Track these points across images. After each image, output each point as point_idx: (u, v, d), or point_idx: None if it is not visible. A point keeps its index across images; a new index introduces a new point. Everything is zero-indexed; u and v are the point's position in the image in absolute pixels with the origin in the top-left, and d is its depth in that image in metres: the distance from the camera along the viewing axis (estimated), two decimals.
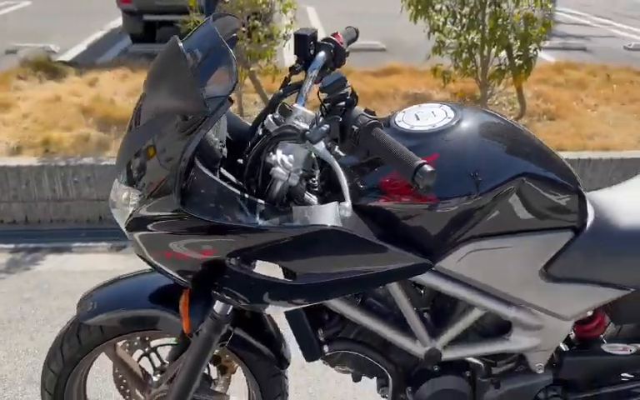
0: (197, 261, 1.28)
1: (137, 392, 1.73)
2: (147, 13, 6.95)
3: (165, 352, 1.68)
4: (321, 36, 1.48)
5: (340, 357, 1.53)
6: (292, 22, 4.48)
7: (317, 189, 1.38)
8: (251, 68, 4.48)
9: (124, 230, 1.36)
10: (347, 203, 1.12)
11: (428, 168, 1.03)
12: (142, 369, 1.68)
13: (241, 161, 1.34)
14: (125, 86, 5.04)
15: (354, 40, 1.60)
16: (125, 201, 1.32)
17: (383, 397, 1.69)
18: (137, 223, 1.29)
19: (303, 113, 1.30)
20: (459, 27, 4.42)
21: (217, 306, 1.39)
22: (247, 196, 1.25)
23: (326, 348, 1.46)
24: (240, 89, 4.48)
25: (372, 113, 1.18)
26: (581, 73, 5.51)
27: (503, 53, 4.35)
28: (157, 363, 1.70)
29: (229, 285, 1.29)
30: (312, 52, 1.44)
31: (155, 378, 1.67)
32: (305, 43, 1.43)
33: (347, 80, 1.20)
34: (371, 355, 1.51)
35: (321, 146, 1.19)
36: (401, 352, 1.51)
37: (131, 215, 1.29)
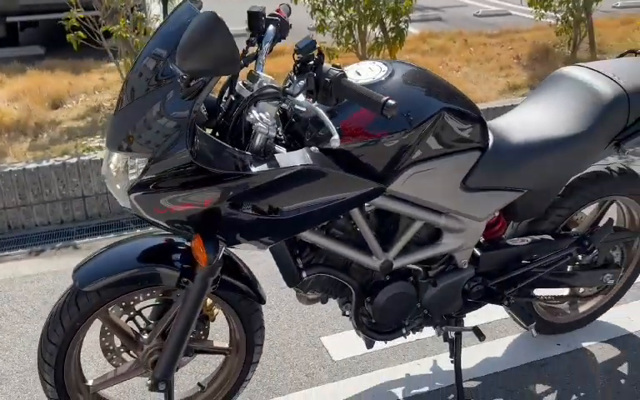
0: (200, 210, 1.51)
1: (124, 356, 1.90)
2: (9, 15, 6.56)
3: (147, 314, 1.88)
4: None
5: (312, 283, 1.83)
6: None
7: (283, 141, 1.66)
8: None
9: (122, 198, 1.54)
10: (336, 136, 1.40)
11: (392, 102, 1.35)
12: (133, 330, 1.86)
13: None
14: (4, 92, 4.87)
15: (289, 14, 1.88)
16: (125, 169, 1.50)
17: (345, 314, 2.02)
18: (142, 186, 1.47)
19: (265, 77, 1.58)
20: (337, 7, 4.83)
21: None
22: (236, 149, 1.50)
23: (304, 274, 1.75)
24: None
25: (339, 67, 1.49)
26: (442, 41, 6.21)
27: (379, 28, 4.83)
28: (142, 325, 1.88)
29: (230, 228, 1.53)
30: (263, 26, 1.71)
31: (145, 336, 1.86)
32: (258, 19, 1.68)
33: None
34: (338, 275, 1.82)
35: (301, 97, 1.47)
36: (361, 268, 1.85)
37: (135, 180, 1.47)
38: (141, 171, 1.46)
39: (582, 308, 2.44)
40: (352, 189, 1.61)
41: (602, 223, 2.22)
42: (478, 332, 2.05)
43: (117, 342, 1.88)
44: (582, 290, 2.35)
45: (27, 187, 3.52)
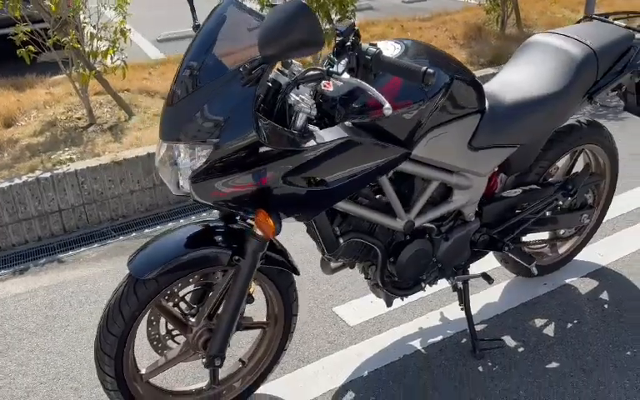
0: (258, 188, 1.63)
1: (169, 343, 1.99)
2: None
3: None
4: None
5: (344, 249, 1.99)
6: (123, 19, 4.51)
7: (314, 121, 1.80)
8: (96, 69, 4.48)
9: (179, 186, 1.64)
10: (387, 104, 1.55)
11: (430, 70, 1.53)
12: (182, 313, 1.95)
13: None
14: None
15: None
16: (186, 158, 1.60)
17: (367, 278, 2.19)
18: (205, 172, 1.58)
19: (295, 63, 1.73)
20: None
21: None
22: (286, 129, 1.64)
23: (341, 240, 1.92)
24: (85, 94, 4.45)
25: (375, 45, 1.65)
26: (380, 28, 6.47)
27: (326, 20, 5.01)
28: (186, 310, 1.97)
29: (284, 202, 1.67)
30: None
31: (192, 320, 1.95)
32: None
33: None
34: (367, 239, 1.98)
35: (346, 75, 1.63)
36: (385, 231, 2.03)
37: (199, 167, 1.57)
38: (204, 157, 1.56)
39: (562, 250, 2.74)
40: (384, 156, 1.79)
41: (574, 171, 2.52)
42: (487, 277, 2.29)
43: (163, 330, 1.96)
44: (562, 232, 2.65)
45: (2, 206, 3.44)
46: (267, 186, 1.65)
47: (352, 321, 2.56)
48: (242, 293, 1.82)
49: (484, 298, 2.63)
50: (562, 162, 2.58)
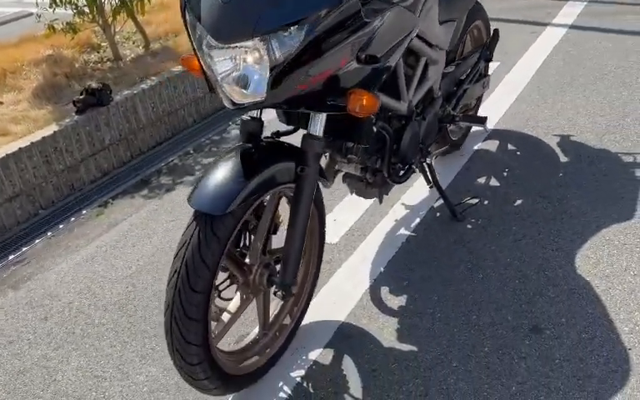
0: (337, 71, 1.57)
1: (217, 303, 1.77)
2: None
3: None
4: None
5: (374, 138, 2.00)
6: None
7: None
8: None
9: (245, 93, 1.48)
10: None
11: None
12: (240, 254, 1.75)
13: None
14: None
15: None
16: (255, 59, 1.43)
17: (375, 171, 2.21)
18: (294, 61, 1.44)
19: None
20: None
21: (315, 126, 1.67)
22: None
23: (374, 128, 1.95)
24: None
25: None
26: None
27: None
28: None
29: (358, 82, 1.64)
30: None
31: (247, 260, 1.76)
32: None
33: None
34: (385, 126, 2.02)
35: None
36: (393, 116, 2.10)
37: (288, 55, 1.43)
38: (297, 40, 1.41)
39: (462, 125, 3.13)
40: (410, 25, 1.86)
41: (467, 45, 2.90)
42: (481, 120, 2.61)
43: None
44: (472, 103, 3.03)
45: None
46: (344, 67, 1.58)
47: (332, 239, 2.55)
48: (309, 204, 1.71)
49: (423, 183, 2.86)
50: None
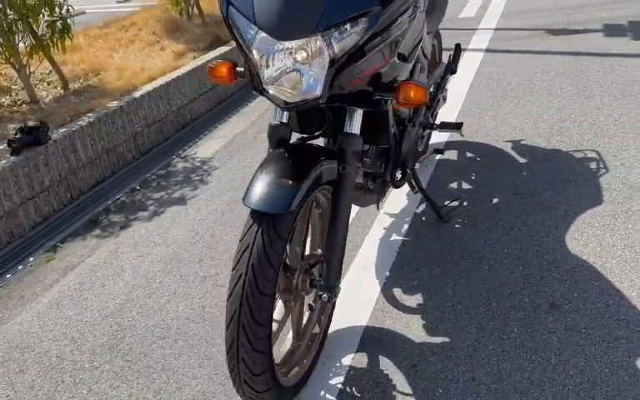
0: (383, 65, 1.59)
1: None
2: None
3: None
4: None
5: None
6: None
7: None
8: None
9: (299, 90, 1.46)
10: None
11: None
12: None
13: None
14: None
15: None
16: (314, 55, 1.42)
17: (379, 176, 2.23)
18: (352, 55, 1.44)
19: None
20: None
21: (353, 124, 1.67)
22: None
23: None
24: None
25: None
26: (103, 31, 5.88)
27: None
28: None
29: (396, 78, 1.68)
30: None
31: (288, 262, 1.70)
32: None
33: None
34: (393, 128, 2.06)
35: None
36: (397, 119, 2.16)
37: (348, 50, 1.42)
38: (356, 35, 1.41)
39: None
40: (422, 29, 1.93)
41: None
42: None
43: None
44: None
45: None
46: (388, 62, 1.60)
47: None
48: (350, 202, 1.70)
49: (397, 193, 2.94)
50: None
